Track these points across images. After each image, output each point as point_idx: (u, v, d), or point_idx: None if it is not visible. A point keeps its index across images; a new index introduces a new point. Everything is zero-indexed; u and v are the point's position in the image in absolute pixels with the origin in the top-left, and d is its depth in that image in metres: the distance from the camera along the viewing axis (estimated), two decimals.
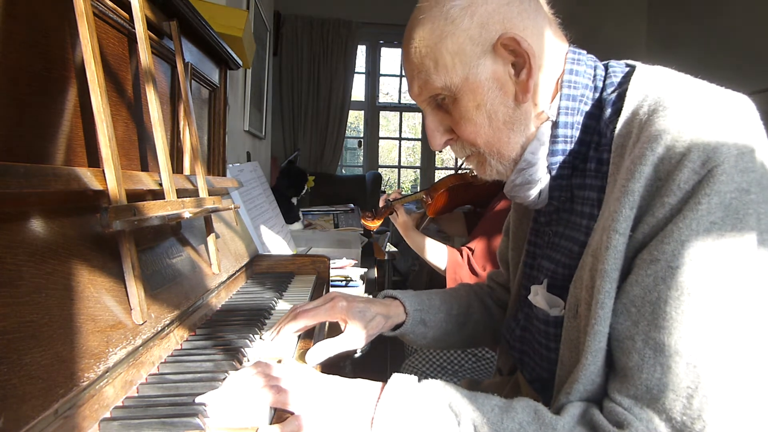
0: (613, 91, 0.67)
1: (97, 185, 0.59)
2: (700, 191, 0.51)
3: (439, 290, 0.97)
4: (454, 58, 0.66)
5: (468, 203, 1.95)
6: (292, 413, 0.58)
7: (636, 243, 0.55)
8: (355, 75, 4.67)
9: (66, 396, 0.46)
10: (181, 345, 0.74)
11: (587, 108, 0.69)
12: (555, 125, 0.69)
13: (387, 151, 5.99)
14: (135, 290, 0.63)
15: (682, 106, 0.56)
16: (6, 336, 0.42)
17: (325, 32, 4.48)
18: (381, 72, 5.03)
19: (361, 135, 5.14)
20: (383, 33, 4.82)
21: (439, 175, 5.25)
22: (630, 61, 0.70)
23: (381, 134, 5.16)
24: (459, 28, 0.66)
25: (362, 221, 1.91)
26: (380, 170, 4.96)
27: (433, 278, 3.01)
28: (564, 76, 0.69)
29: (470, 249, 1.67)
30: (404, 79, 5.16)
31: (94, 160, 0.66)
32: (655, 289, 0.53)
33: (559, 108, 0.69)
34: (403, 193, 1.91)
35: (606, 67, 0.71)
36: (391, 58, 5.20)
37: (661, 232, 0.53)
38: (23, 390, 0.42)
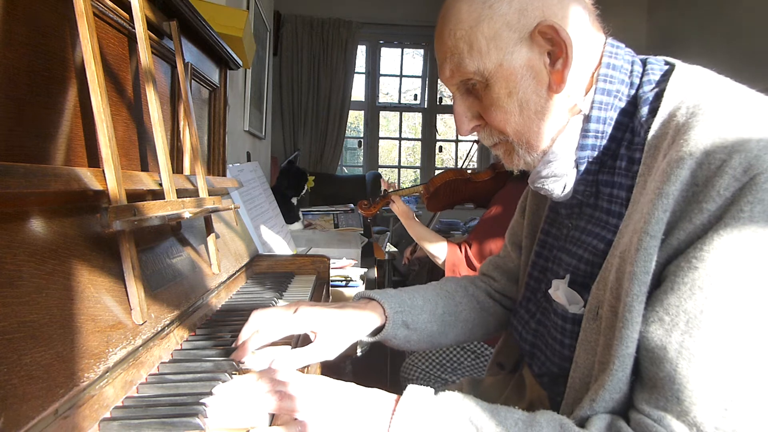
0: (650, 90, 0.65)
1: (97, 185, 0.59)
2: (742, 199, 0.50)
3: (421, 287, 0.91)
4: (490, 43, 0.65)
5: (467, 200, 1.95)
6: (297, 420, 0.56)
7: (670, 249, 0.54)
8: (355, 75, 4.67)
9: (66, 396, 0.46)
10: (181, 345, 0.74)
11: (622, 104, 0.67)
12: (587, 119, 0.68)
13: (387, 151, 5.98)
14: (135, 290, 0.63)
15: (722, 111, 0.55)
16: (6, 336, 0.42)
17: (325, 32, 4.48)
18: (381, 72, 5.03)
19: (361, 135, 5.14)
20: (383, 33, 4.82)
21: None
22: (669, 59, 0.69)
23: (381, 134, 5.16)
24: (497, 12, 0.64)
25: (359, 209, 1.92)
26: (380, 170, 4.97)
27: (433, 278, 3.00)
28: (600, 69, 0.67)
29: (468, 244, 1.69)
30: (404, 80, 5.15)
31: (94, 160, 0.66)
32: (692, 298, 0.51)
33: (592, 102, 0.67)
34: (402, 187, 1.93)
35: (644, 63, 0.69)
36: (391, 58, 5.20)
37: (699, 239, 0.52)
38: (23, 390, 0.42)
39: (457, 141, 5.41)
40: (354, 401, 0.58)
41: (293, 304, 0.75)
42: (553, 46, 0.64)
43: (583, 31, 0.67)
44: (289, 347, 0.75)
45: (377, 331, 0.81)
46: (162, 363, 0.66)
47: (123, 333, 0.59)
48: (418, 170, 5.23)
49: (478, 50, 0.66)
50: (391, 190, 1.90)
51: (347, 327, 0.75)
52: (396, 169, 5.54)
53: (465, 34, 0.66)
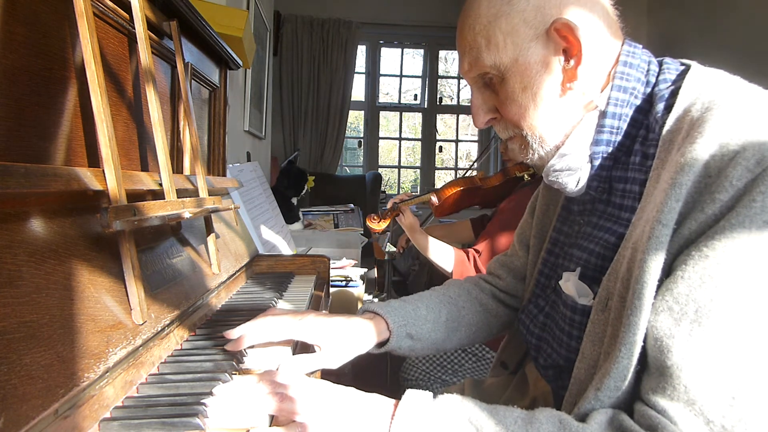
0: (666, 87, 0.66)
1: (97, 185, 0.59)
2: (755, 189, 0.50)
3: (425, 295, 0.92)
4: (507, 38, 0.67)
5: (475, 204, 1.94)
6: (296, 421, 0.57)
7: (681, 239, 0.54)
8: (355, 75, 4.67)
9: (66, 396, 0.46)
10: (181, 345, 0.74)
11: (637, 102, 0.68)
12: (602, 115, 0.69)
13: (387, 151, 5.98)
14: (135, 290, 0.63)
15: (736, 106, 0.56)
16: (6, 336, 0.42)
17: (325, 32, 4.48)
18: (381, 72, 5.03)
19: (361, 135, 5.14)
20: (383, 33, 4.82)
21: (439, 175, 5.25)
22: (685, 60, 0.70)
23: (381, 134, 5.16)
24: (515, 9, 0.66)
25: (367, 223, 1.85)
26: (380, 170, 4.96)
27: (434, 278, 3.00)
28: (617, 67, 0.69)
29: (477, 251, 1.67)
30: (404, 80, 5.15)
31: (94, 160, 0.66)
32: (702, 287, 0.51)
33: (608, 98, 0.68)
34: (409, 194, 1.86)
35: (660, 64, 0.70)
36: (391, 58, 5.20)
37: (711, 229, 0.52)
38: (23, 390, 0.42)
39: (457, 141, 5.41)
40: (353, 405, 0.58)
41: (302, 313, 0.77)
42: (568, 43, 0.66)
43: (601, 31, 0.68)
44: (289, 348, 0.75)
45: (382, 343, 0.82)
46: (162, 363, 0.66)
47: (123, 333, 0.59)
48: (418, 170, 5.23)
49: (495, 45, 0.67)
50: (399, 199, 1.84)
51: (351, 342, 0.77)
52: (396, 170, 5.54)
53: (483, 29, 0.68)
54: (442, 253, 1.70)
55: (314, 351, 0.75)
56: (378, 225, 1.83)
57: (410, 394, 0.59)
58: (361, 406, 0.59)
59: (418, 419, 0.56)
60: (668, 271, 0.55)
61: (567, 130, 0.69)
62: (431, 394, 0.59)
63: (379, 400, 0.60)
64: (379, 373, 2.39)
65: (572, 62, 0.66)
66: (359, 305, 1.72)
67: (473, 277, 1.03)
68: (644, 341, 0.55)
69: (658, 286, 0.54)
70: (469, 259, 1.67)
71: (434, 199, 1.81)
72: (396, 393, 0.60)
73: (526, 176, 1.69)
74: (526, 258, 0.95)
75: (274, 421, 0.57)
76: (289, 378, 0.60)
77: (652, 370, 0.55)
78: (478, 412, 0.56)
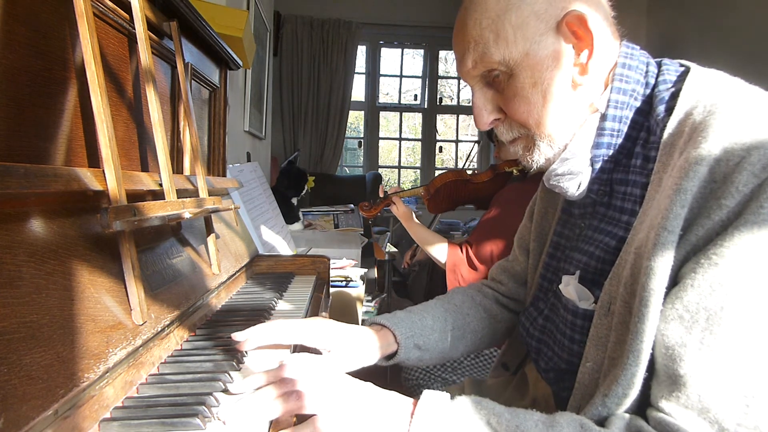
0: (666, 89, 0.66)
1: (97, 186, 0.59)
2: (761, 195, 0.50)
3: (429, 305, 0.92)
4: (516, 31, 0.65)
5: (467, 201, 1.96)
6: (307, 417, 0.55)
7: (688, 245, 0.54)
8: (355, 75, 4.67)
9: (66, 396, 0.46)
10: (181, 345, 0.74)
11: (637, 104, 0.68)
12: (603, 118, 0.68)
13: (387, 152, 5.98)
14: (135, 290, 0.63)
15: (739, 109, 0.55)
16: (6, 336, 0.42)
17: (325, 32, 4.48)
18: (381, 72, 5.03)
19: (361, 135, 5.14)
20: (383, 33, 4.82)
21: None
22: (684, 61, 0.70)
23: (381, 134, 5.16)
24: (524, 2, 0.65)
25: (360, 211, 1.91)
26: (380, 170, 4.97)
27: (434, 279, 3.01)
28: (616, 69, 0.68)
29: (469, 244, 1.69)
30: (404, 80, 5.14)
31: (94, 160, 0.66)
32: (712, 295, 0.51)
33: (608, 101, 0.68)
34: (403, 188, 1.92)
35: (659, 65, 0.70)
36: (391, 58, 5.20)
37: (719, 235, 0.52)
38: (23, 390, 0.42)
39: (457, 141, 5.41)
40: (369, 400, 0.58)
41: (312, 318, 0.77)
42: (578, 39, 0.65)
43: (603, 30, 0.67)
44: (288, 351, 0.75)
45: (391, 356, 0.82)
46: (162, 363, 0.66)
47: (123, 333, 0.59)
48: (418, 170, 5.23)
49: (505, 39, 0.66)
50: (392, 191, 1.89)
51: (358, 350, 0.76)
52: (396, 170, 5.54)
53: (491, 23, 0.66)
54: (436, 244, 1.73)
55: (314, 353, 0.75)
56: (369, 213, 1.89)
57: (429, 394, 0.58)
58: (378, 402, 0.58)
59: (439, 419, 0.55)
60: (675, 278, 0.55)
61: (574, 128, 0.68)
62: (448, 395, 0.59)
63: (397, 398, 0.59)
64: (379, 374, 2.39)
65: (583, 56, 0.65)
66: (359, 306, 1.73)
67: (476, 284, 1.03)
68: (652, 348, 0.54)
69: (666, 293, 0.54)
70: (461, 251, 1.69)
71: (425, 192, 1.84)
72: (398, 392, 0.60)
73: (515, 171, 1.71)
74: (527, 262, 0.94)
75: (273, 425, 0.55)
76: (296, 371, 0.58)
77: (662, 378, 0.55)
78: (497, 415, 0.56)
